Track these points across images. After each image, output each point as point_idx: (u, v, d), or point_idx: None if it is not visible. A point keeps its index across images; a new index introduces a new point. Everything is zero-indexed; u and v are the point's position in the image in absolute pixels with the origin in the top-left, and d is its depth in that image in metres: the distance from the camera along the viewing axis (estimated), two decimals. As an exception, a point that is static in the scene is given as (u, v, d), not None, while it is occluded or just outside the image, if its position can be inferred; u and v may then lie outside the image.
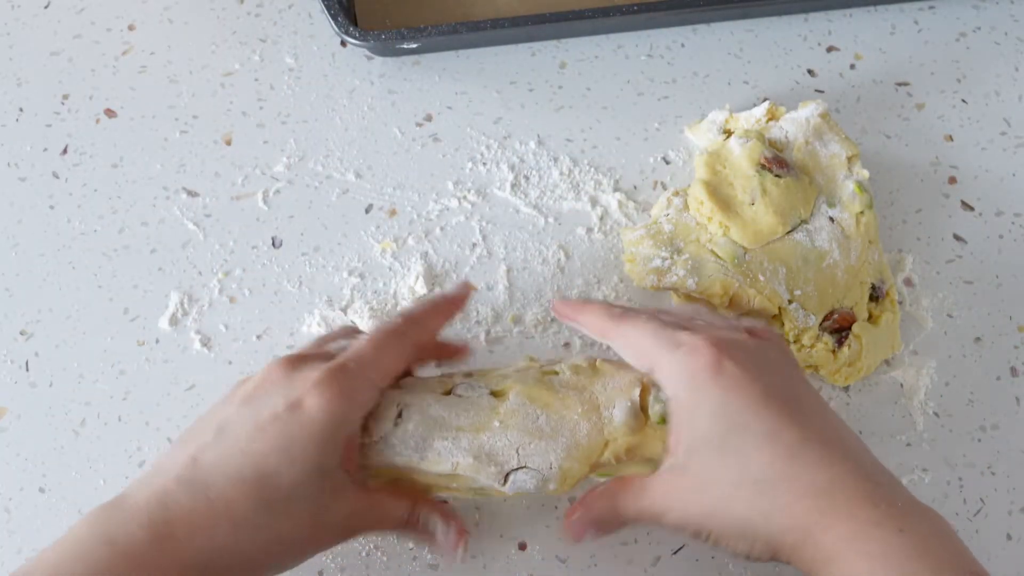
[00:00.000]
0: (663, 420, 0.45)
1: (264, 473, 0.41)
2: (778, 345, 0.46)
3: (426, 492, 0.47)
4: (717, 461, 0.42)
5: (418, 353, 0.48)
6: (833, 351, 0.53)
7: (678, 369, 0.43)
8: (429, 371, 0.50)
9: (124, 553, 0.39)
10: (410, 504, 0.45)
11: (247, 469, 0.41)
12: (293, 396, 0.42)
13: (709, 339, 0.43)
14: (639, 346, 0.45)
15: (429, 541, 0.46)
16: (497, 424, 0.45)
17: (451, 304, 0.49)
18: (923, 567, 0.38)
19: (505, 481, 0.45)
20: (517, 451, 0.45)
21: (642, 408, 0.45)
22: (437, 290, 0.56)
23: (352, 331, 0.50)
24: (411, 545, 0.50)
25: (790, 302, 0.53)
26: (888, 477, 0.42)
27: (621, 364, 0.47)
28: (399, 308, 0.53)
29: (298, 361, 0.44)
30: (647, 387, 0.46)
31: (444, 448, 0.45)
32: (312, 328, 0.55)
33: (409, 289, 0.56)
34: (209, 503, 0.41)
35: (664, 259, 0.54)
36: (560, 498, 0.52)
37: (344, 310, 0.56)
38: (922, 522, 0.40)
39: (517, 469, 0.45)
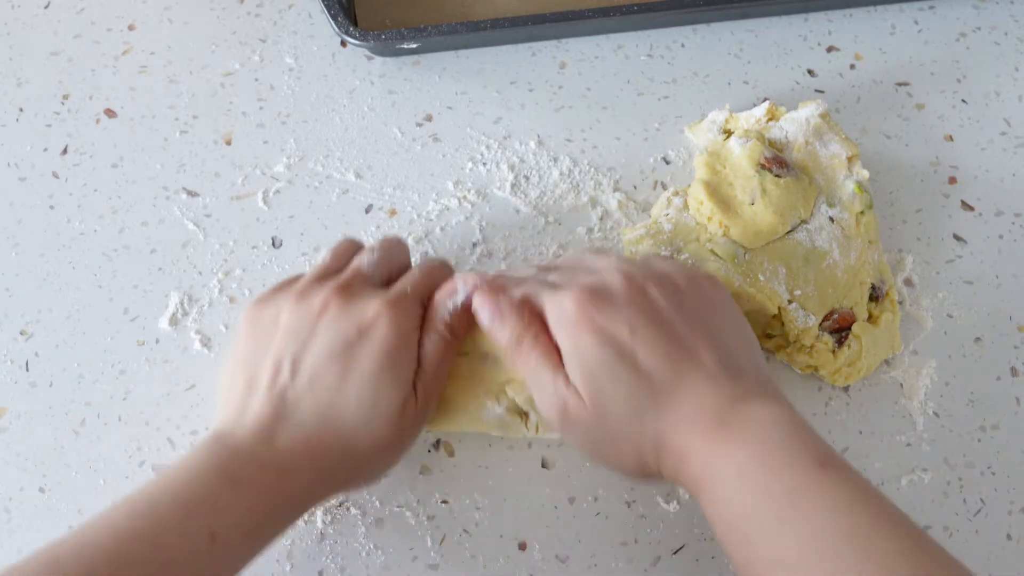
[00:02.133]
0: None
1: (347, 402, 0.45)
2: (680, 273, 0.48)
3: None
4: (606, 392, 0.44)
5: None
6: (833, 351, 0.53)
7: (557, 316, 0.46)
8: None
9: (241, 484, 0.43)
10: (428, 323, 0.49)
11: (332, 400, 0.45)
12: (364, 322, 0.46)
13: (583, 289, 0.46)
14: (529, 295, 0.47)
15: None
16: None
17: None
18: (773, 466, 0.41)
19: None
20: None
21: None
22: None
23: (357, 245, 0.53)
24: (411, 547, 0.50)
25: (790, 302, 0.53)
26: (750, 370, 0.45)
27: None
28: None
29: (349, 289, 0.47)
30: None
31: None
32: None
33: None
34: (306, 439, 0.45)
35: (664, 259, 0.54)
36: (560, 497, 0.52)
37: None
38: (768, 425, 0.43)
39: None
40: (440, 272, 0.51)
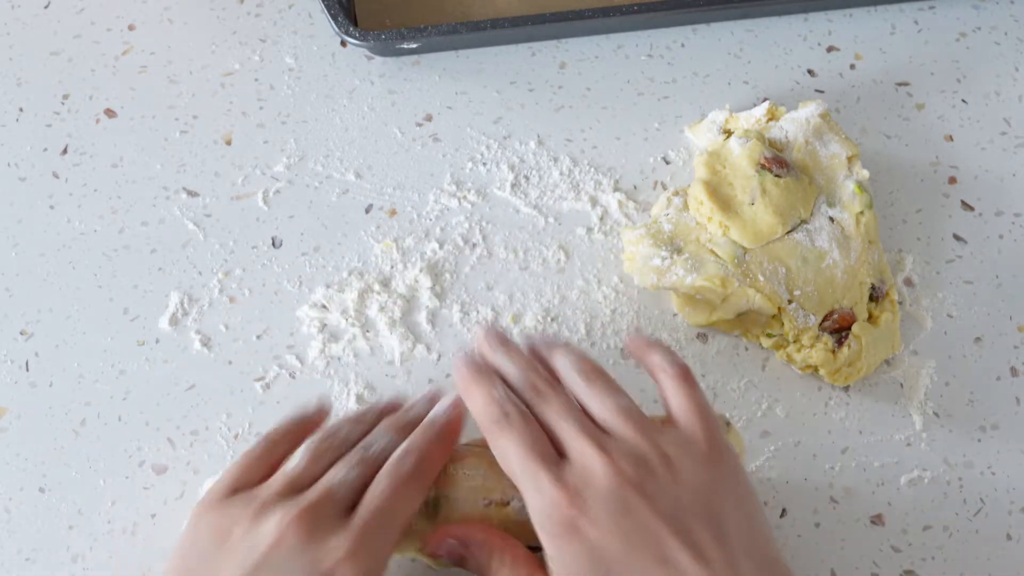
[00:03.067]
0: None
1: None
2: (685, 448, 0.43)
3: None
4: None
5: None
6: (833, 351, 0.53)
7: (538, 517, 0.41)
8: None
9: None
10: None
11: None
12: (322, 570, 0.40)
13: (567, 491, 0.41)
14: (508, 468, 0.43)
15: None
16: None
17: (450, 432, 0.46)
18: None
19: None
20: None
21: None
22: (438, 404, 0.48)
23: (326, 439, 0.46)
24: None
25: (790, 302, 0.53)
26: (759, 560, 0.41)
27: None
28: (408, 439, 0.46)
29: (311, 519, 0.41)
30: None
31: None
32: (311, 328, 0.55)
33: (408, 288, 0.57)
34: None
35: (664, 258, 0.54)
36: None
37: (343, 312, 0.56)
38: None
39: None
40: (414, 497, 0.44)
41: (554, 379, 0.46)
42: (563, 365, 0.46)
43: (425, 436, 0.45)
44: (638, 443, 0.42)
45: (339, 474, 0.44)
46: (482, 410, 0.44)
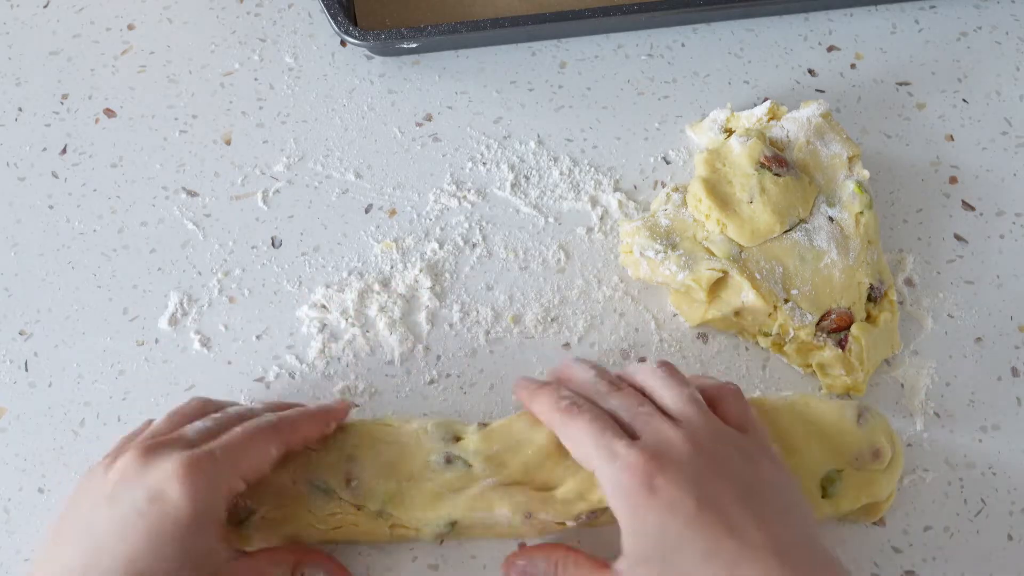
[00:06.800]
0: None
1: (139, 573, 0.41)
2: (736, 421, 0.46)
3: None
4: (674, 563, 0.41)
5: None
6: (835, 356, 0.53)
7: (614, 484, 0.43)
8: None
9: None
10: (292, 561, 0.46)
11: (121, 574, 0.41)
12: (154, 488, 0.42)
13: (644, 452, 0.43)
14: (581, 450, 0.45)
15: None
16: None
17: (327, 415, 0.48)
18: None
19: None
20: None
21: None
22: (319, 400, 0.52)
23: (205, 407, 0.48)
24: (411, 547, 0.50)
25: (786, 301, 0.53)
26: (818, 555, 0.43)
27: None
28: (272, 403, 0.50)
29: (153, 449, 0.43)
30: None
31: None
32: (311, 328, 0.55)
33: (408, 288, 0.56)
34: None
35: (657, 251, 0.54)
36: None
37: (343, 312, 0.56)
38: None
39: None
40: (265, 444, 0.45)
41: (620, 382, 0.48)
42: (632, 368, 0.49)
43: (298, 411, 0.48)
44: (708, 424, 0.45)
45: (196, 424, 0.46)
46: (551, 405, 0.46)
